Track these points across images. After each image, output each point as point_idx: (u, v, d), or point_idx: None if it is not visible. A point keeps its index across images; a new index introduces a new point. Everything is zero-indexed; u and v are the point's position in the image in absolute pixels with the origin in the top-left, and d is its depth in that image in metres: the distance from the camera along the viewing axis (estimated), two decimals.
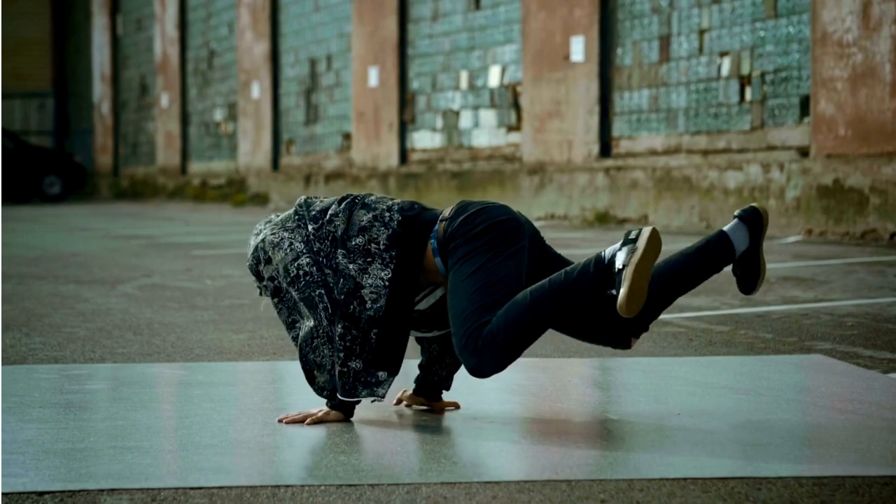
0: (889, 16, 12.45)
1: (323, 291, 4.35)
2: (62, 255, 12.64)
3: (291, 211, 4.52)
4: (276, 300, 4.45)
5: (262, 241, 4.44)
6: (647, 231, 4.28)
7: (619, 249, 4.28)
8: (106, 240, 15.36)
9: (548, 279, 4.34)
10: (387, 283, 4.34)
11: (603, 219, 16.08)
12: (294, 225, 4.45)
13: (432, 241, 4.41)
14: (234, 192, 26.42)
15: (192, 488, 3.57)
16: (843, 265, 10.28)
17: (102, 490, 3.55)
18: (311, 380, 4.45)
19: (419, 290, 4.46)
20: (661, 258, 4.51)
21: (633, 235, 4.28)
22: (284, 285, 4.40)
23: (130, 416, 4.59)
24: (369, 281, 4.33)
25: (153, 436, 4.26)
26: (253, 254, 4.47)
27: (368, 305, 4.31)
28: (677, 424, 4.45)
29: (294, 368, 5.76)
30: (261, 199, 25.25)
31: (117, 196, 32.66)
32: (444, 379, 4.67)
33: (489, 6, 18.73)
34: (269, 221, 4.53)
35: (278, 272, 4.40)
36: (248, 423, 4.47)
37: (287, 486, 3.60)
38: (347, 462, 3.91)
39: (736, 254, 4.53)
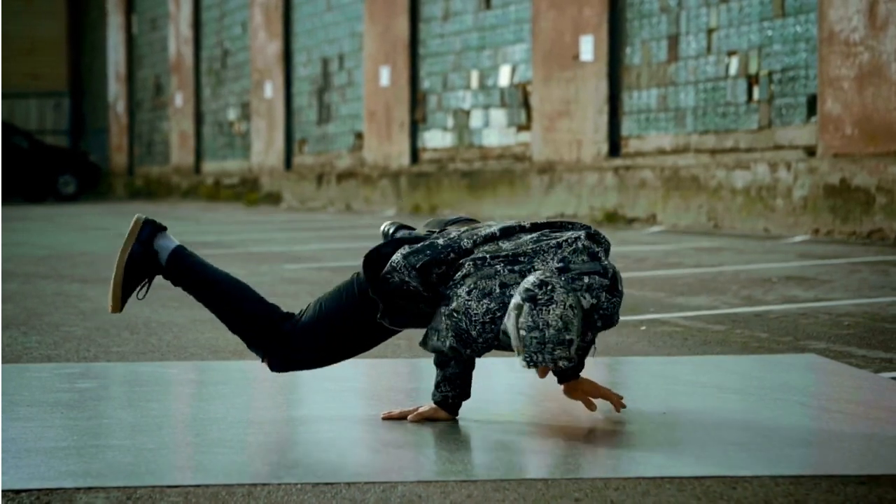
0: None
1: None
2: (71, 255, 12.69)
3: (585, 243, 4.33)
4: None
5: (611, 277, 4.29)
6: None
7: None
8: (116, 239, 15.37)
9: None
10: None
11: (612, 218, 16.09)
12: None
13: None
14: (247, 191, 26.47)
15: (168, 487, 3.59)
16: (848, 264, 10.26)
17: (79, 488, 3.57)
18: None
19: None
20: None
21: None
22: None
23: (116, 415, 4.61)
24: None
25: (136, 434, 4.28)
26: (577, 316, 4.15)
27: None
28: (661, 423, 4.46)
29: None
30: (273, 199, 25.30)
31: (132, 195, 32.74)
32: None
33: (499, 6, 18.74)
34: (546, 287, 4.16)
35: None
36: (233, 421, 4.49)
37: (263, 485, 3.62)
38: (326, 460, 3.93)
39: None
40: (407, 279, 4.33)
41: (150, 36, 32.77)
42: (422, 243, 4.40)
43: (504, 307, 4.19)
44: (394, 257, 4.37)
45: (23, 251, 13.23)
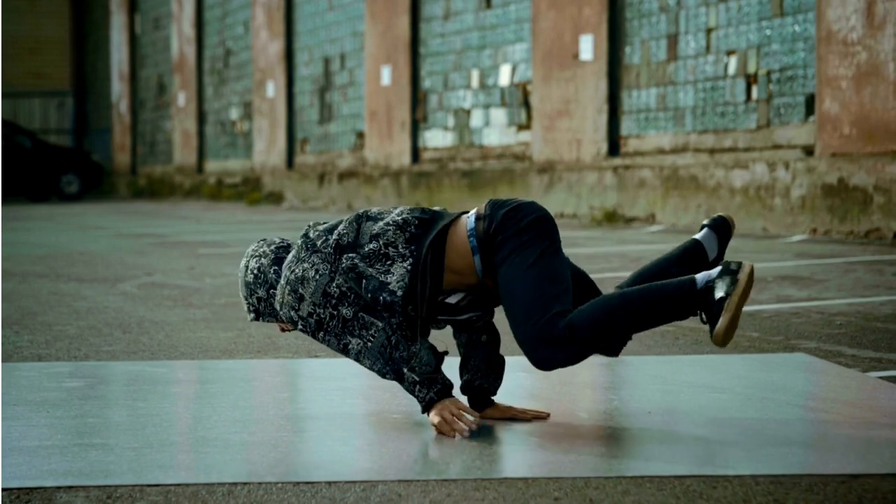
0: (893, 14, 12.43)
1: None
2: (69, 254, 12.70)
3: (299, 242, 4.42)
4: (321, 333, 4.31)
5: (286, 284, 4.32)
6: (747, 266, 4.34)
7: (719, 278, 4.31)
8: (116, 238, 15.42)
9: (638, 288, 4.36)
10: (409, 271, 4.26)
11: (611, 217, 16.08)
12: (307, 253, 4.35)
13: (471, 239, 4.34)
14: (250, 190, 26.48)
15: (148, 486, 3.60)
16: (843, 264, 10.26)
17: (60, 487, 3.58)
18: (402, 379, 4.33)
19: (448, 291, 4.40)
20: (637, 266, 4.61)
21: (733, 267, 4.34)
22: (328, 311, 4.29)
23: (102, 414, 4.62)
24: (393, 277, 4.26)
25: (121, 433, 4.29)
26: (281, 302, 4.36)
27: (398, 293, 4.25)
28: (646, 423, 4.47)
29: (273, 367, 5.79)
30: (275, 198, 25.30)
31: (135, 195, 32.77)
32: (491, 385, 4.57)
33: (500, 5, 18.74)
34: (263, 256, 4.47)
35: (318, 302, 4.28)
36: (218, 420, 4.50)
37: (244, 484, 3.63)
38: (308, 459, 3.94)
39: (708, 260, 4.72)
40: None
41: (153, 35, 32.80)
42: None
43: None
44: None
45: (22, 250, 13.25)
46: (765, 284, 8.92)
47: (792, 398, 4.93)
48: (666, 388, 5.19)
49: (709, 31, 14.97)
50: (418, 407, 4.65)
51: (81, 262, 11.65)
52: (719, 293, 4.27)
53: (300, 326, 4.34)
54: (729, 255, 11.36)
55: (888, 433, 4.28)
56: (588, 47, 16.58)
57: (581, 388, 5.26)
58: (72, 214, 22.57)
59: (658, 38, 15.72)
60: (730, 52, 14.65)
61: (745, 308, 7.73)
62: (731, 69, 14.63)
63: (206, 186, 28.74)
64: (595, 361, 5.91)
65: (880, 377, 5.35)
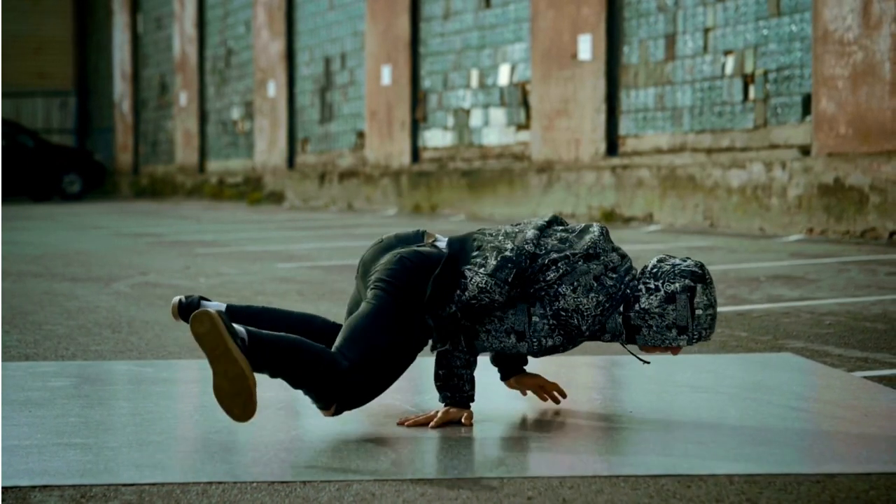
0: (889, 14, 12.43)
1: None
2: (66, 253, 12.71)
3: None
4: None
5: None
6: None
7: None
8: (114, 238, 15.43)
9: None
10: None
11: (609, 217, 16.09)
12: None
13: None
14: (251, 190, 26.50)
15: (124, 485, 3.61)
16: (837, 264, 10.26)
17: (34, 487, 3.59)
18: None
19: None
20: None
21: None
22: None
23: (84, 413, 4.63)
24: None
25: (101, 433, 4.29)
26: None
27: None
28: (626, 422, 4.47)
29: None
30: (276, 198, 25.32)
31: (137, 194, 32.79)
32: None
33: (499, 5, 18.75)
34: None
35: None
36: (200, 420, 4.51)
37: (219, 483, 3.64)
38: (286, 459, 3.95)
39: None
40: (497, 297, 4.39)
41: (155, 35, 32.82)
42: (494, 257, 4.41)
43: (611, 297, 4.36)
44: (475, 279, 4.38)
45: (19, 249, 13.26)
46: (757, 284, 8.93)
47: (775, 398, 4.93)
48: (648, 387, 5.20)
49: (706, 30, 14.97)
50: (394, 407, 4.69)
51: (77, 262, 11.66)
52: None
53: None
54: (728, 255, 11.34)
55: (867, 432, 4.28)
56: (587, 47, 16.59)
57: (566, 387, 5.26)
58: (72, 214, 22.58)
59: (656, 38, 15.72)
60: (727, 52, 14.66)
61: (736, 308, 7.73)
62: (729, 69, 14.64)
63: (208, 186, 28.76)
64: (585, 361, 5.92)
65: (865, 377, 5.36)
